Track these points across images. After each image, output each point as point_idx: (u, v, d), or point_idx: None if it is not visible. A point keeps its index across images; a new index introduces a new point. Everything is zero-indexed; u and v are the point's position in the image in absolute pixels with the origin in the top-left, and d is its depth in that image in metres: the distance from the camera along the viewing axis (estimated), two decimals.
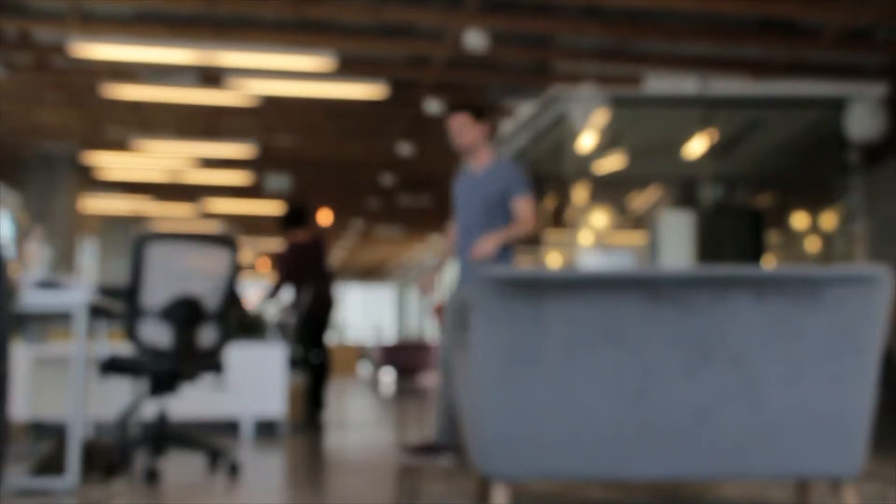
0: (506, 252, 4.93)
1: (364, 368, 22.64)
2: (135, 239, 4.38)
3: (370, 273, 30.22)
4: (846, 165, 9.58)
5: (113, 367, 4.48)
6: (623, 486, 3.96)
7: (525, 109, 10.13)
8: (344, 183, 14.84)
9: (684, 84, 9.01)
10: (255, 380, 6.85)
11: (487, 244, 4.71)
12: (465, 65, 8.73)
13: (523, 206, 4.84)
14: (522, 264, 11.84)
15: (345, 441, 6.52)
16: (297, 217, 7.59)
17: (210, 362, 4.62)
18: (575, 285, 2.64)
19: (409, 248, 23.85)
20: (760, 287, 2.66)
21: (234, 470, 4.56)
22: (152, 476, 4.28)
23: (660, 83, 9.02)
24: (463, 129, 4.99)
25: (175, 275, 4.44)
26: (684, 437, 2.66)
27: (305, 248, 7.66)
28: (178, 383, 4.61)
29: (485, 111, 5.05)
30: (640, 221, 11.89)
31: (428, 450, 4.91)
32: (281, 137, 11.75)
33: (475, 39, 7.32)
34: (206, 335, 4.57)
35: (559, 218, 11.02)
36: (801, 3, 7.20)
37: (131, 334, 4.39)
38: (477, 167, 5.01)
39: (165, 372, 4.48)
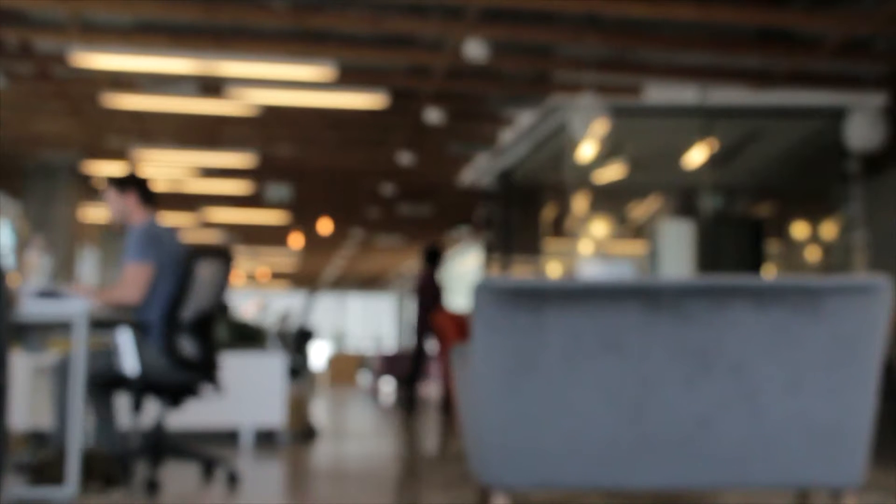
0: (145, 336, 4.58)
1: (364, 378, 22.62)
2: (185, 254, 4.57)
3: (370, 282, 30.21)
4: (846, 175, 9.58)
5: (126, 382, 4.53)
6: (623, 496, 3.96)
7: (525, 119, 10.14)
8: (344, 192, 14.85)
9: (684, 94, 9.01)
10: (254, 389, 6.85)
11: (87, 293, 4.51)
12: (465, 74, 8.74)
13: (125, 272, 4.61)
14: (522, 274, 11.84)
15: (344, 451, 6.51)
16: (432, 257, 10.03)
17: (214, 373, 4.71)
18: (575, 295, 2.64)
19: (410, 257, 23.84)
20: (760, 297, 2.66)
21: (232, 479, 4.56)
22: (153, 487, 4.28)
23: (660, 93, 9.02)
24: (110, 203, 4.84)
25: (201, 289, 4.62)
26: (684, 447, 2.66)
27: (429, 280, 10.02)
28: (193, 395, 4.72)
29: (129, 181, 4.84)
30: (640, 231, 11.89)
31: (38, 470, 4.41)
32: (281, 147, 11.76)
33: (475, 49, 7.33)
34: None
35: (559, 227, 11.02)
36: (801, 13, 7.21)
37: (172, 348, 4.51)
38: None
39: (195, 385, 4.65)
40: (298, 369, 8.04)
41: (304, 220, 17.07)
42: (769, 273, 10.23)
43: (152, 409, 4.73)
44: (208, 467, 4.75)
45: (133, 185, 4.84)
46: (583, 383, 2.65)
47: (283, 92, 9.18)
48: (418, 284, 10.25)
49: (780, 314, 2.66)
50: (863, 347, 2.69)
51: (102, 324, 4.57)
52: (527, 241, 12.09)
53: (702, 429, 2.66)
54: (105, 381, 4.52)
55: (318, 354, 22.18)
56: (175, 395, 4.64)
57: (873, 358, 2.70)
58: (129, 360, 4.45)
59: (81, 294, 4.45)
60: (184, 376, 4.60)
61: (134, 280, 4.57)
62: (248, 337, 7.31)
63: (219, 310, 4.76)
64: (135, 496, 4.18)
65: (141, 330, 4.52)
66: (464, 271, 21.79)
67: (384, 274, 27.97)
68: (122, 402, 4.78)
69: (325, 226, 17.44)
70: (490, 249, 13.03)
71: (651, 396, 2.65)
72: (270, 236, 19.32)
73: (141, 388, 4.51)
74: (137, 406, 4.55)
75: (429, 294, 10.09)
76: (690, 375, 2.65)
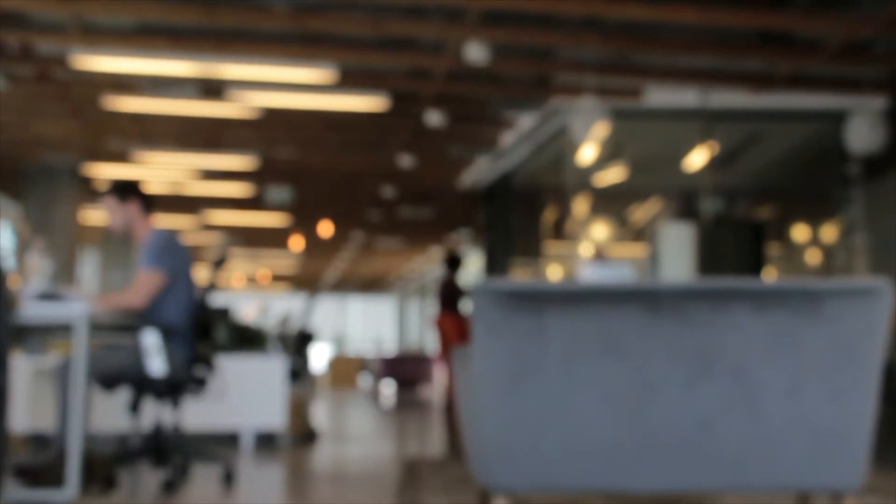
0: (168, 345, 4.56)
1: (364, 380, 22.62)
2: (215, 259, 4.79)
3: (371, 285, 30.21)
4: (846, 178, 9.58)
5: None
6: (624, 498, 3.96)
7: (525, 122, 10.14)
8: (345, 195, 14.85)
9: (685, 97, 9.01)
10: (255, 392, 6.85)
11: (94, 301, 4.49)
12: (465, 77, 8.75)
13: (137, 278, 4.64)
14: (523, 277, 11.84)
15: (345, 453, 6.51)
16: (452, 262, 10.25)
17: None
18: (575, 298, 2.64)
19: (410, 259, 23.85)
20: (761, 300, 2.66)
21: (228, 479, 4.59)
22: (170, 487, 4.31)
23: (660, 96, 9.03)
24: (112, 211, 4.82)
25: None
26: (685, 450, 2.66)
27: (448, 285, 10.16)
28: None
29: (130, 189, 4.83)
30: (640, 234, 11.89)
31: (29, 473, 4.28)
32: (282, 149, 11.76)
33: (476, 52, 7.33)
34: None
35: (559, 230, 11.02)
36: (801, 16, 7.21)
37: (196, 349, 4.73)
38: (140, 242, 4.84)
39: (206, 383, 4.85)
40: (299, 372, 8.05)
41: (304, 222, 17.07)
42: (770, 276, 10.22)
43: (150, 409, 4.75)
44: (183, 468, 4.81)
45: (134, 193, 4.86)
46: (583, 386, 2.65)
47: (284, 94, 9.19)
48: (440, 290, 10.29)
49: (781, 317, 2.66)
50: (863, 350, 2.69)
51: (126, 327, 4.61)
52: (527, 243, 12.09)
53: (702, 431, 2.65)
54: (130, 381, 4.54)
55: (319, 357, 22.19)
56: (182, 394, 4.69)
57: (874, 361, 2.70)
58: (157, 362, 4.46)
59: (84, 298, 4.47)
60: (202, 375, 4.68)
61: (144, 286, 4.61)
62: (249, 340, 7.31)
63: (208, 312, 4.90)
64: (135, 498, 4.18)
65: (165, 332, 4.55)
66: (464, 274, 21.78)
67: (385, 276, 27.97)
68: (115, 404, 4.79)
69: (325, 228, 17.44)
70: (490, 252, 13.02)
71: (651, 399, 2.65)
72: (271, 239, 19.32)
73: (166, 388, 4.55)
74: (136, 406, 4.58)
75: (449, 299, 10.17)
76: (691, 378, 2.65)
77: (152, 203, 4.93)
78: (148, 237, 4.79)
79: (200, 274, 4.93)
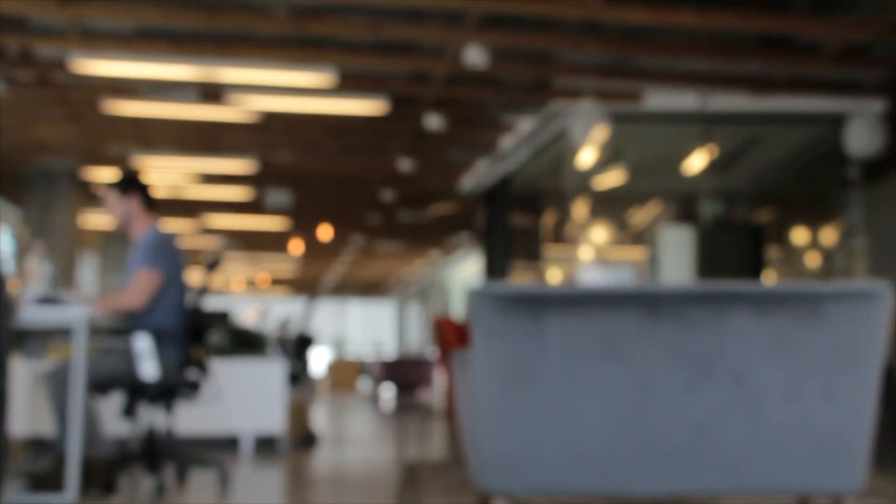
0: (162, 344, 4.53)
1: (364, 384, 22.61)
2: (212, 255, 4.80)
3: (370, 288, 30.21)
4: (846, 181, 9.58)
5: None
6: (623, 502, 3.95)
7: (525, 125, 10.14)
8: (344, 198, 14.85)
9: (684, 100, 9.02)
10: (254, 395, 6.84)
11: (93, 304, 4.47)
12: (465, 80, 8.75)
13: (135, 278, 4.60)
14: (523, 279, 11.85)
15: (344, 457, 6.51)
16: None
17: None
18: (575, 301, 2.64)
19: (410, 263, 23.84)
20: (761, 303, 2.66)
21: (224, 482, 4.58)
22: (161, 491, 4.30)
23: (660, 99, 9.03)
24: (111, 204, 4.82)
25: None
26: (684, 453, 2.66)
27: None
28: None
29: (131, 184, 4.82)
30: (640, 237, 11.89)
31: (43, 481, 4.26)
32: (281, 153, 11.76)
33: (475, 55, 7.34)
34: None
35: (559, 233, 11.02)
36: (801, 19, 7.22)
37: (190, 353, 4.75)
38: (134, 239, 4.82)
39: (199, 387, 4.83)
40: (298, 375, 8.05)
41: (304, 226, 17.07)
42: (769, 279, 10.22)
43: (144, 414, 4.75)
44: (181, 473, 4.79)
45: (135, 188, 4.85)
46: (582, 389, 2.65)
47: (284, 98, 9.19)
48: None
49: (781, 320, 2.66)
50: (863, 353, 2.69)
51: (118, 330, 4.59)
52: (527, 246, 12.08)
53: (702, 435, 2.65)
54: (122, 385, 4.52)
55: (318, 360, 22.18)
56: (175, 398, 4.67)
57: (874, 364, 2.70)
58: (149, 366, 4.45)
59: (83, 301, 4.45)
60: (195, 379, 4.66)
61: (143, 287, 4.58)
62: (249, 343, 7.31)
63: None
64: (133, 501, 4.18)
65: (157, 336, 4.52)
66: (464, 277, 21.79)
67: (384, 280, 27.97)
68: (113, 406, 4.79)
69: (325, 232, 17.44)
70: (490, 255, 13.02)
71: (651, 403, 2.65)
72: (270, 242, 19.32)
73: (158, 392, 4.53)
74: (132, 411, 4.56)
75: None
76: (690, 382, 2.65)
77: (154, 201, 4.91)
78: (142, 236, 4.76)
79: (194, 277, 4.89)
